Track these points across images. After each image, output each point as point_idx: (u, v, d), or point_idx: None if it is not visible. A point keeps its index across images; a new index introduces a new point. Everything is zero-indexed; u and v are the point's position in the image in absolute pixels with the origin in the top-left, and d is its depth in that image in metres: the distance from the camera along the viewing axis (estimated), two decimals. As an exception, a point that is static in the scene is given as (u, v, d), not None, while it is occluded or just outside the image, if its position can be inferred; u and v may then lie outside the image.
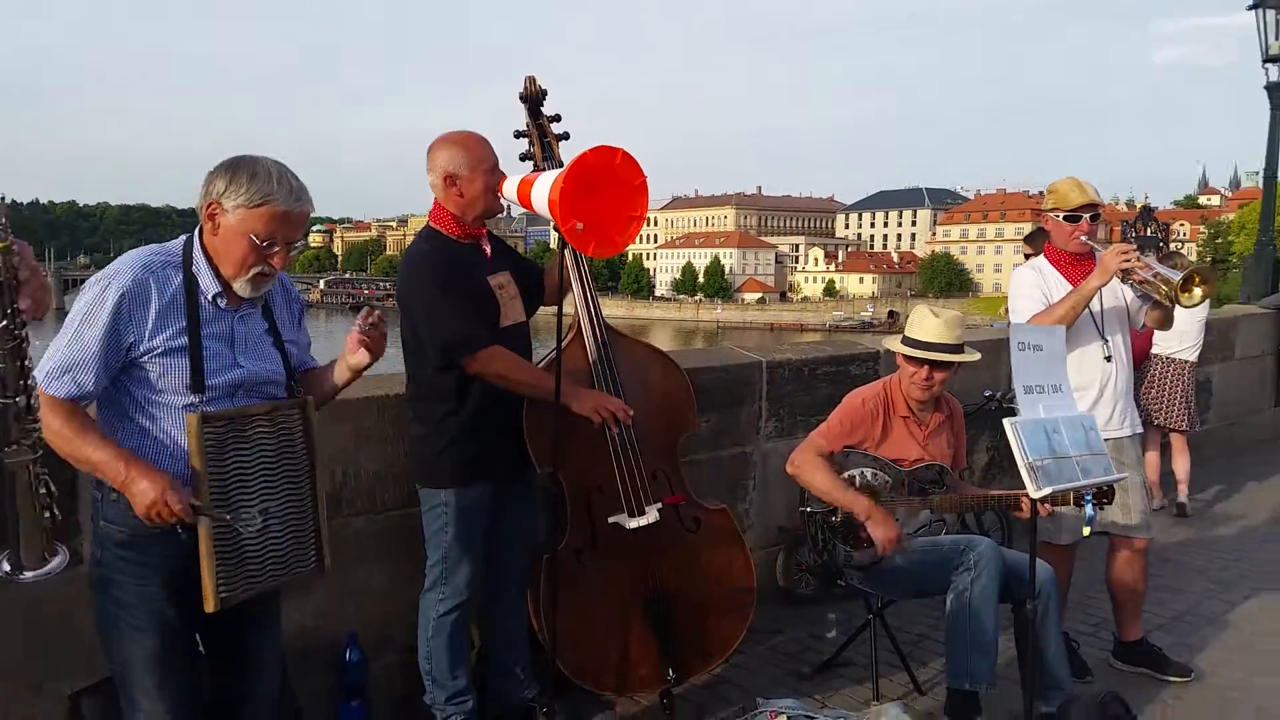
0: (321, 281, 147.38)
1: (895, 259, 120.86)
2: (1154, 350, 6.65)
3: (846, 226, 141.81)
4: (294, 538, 2.41)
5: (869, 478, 3.59)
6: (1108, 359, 3.89)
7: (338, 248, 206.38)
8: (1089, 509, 3.03)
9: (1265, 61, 10.39)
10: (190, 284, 2.26)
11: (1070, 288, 3.84)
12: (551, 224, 3.00)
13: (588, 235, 2.90)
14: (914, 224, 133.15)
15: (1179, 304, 3.68)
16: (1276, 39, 10.38)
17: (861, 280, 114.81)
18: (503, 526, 3.35)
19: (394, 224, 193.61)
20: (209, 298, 2.28)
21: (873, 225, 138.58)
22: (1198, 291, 3.67)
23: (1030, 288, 3.95)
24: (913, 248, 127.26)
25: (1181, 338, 6.54)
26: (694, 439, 4.04)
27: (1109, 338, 3.91)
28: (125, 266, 2.22)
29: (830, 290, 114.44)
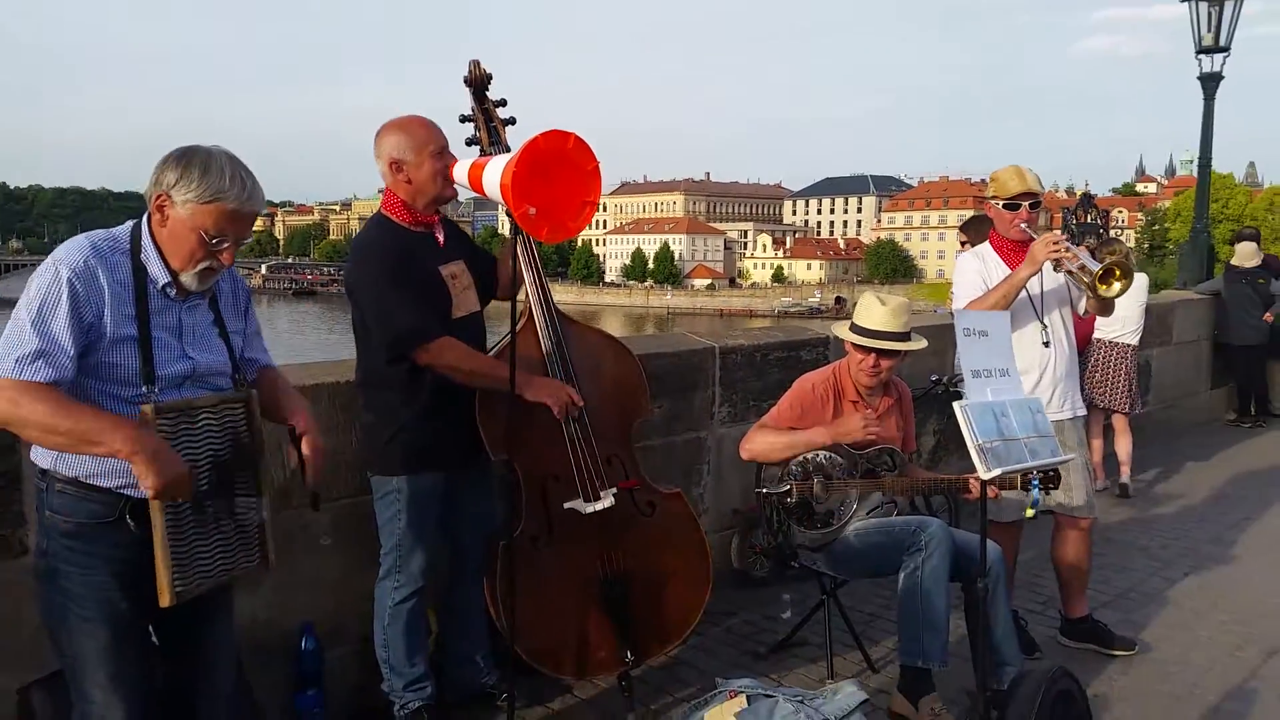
0: (263, 267, 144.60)
1: (842, 245, 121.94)
2: (1096, 335, 6.80)
3: (794, 213, 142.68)
4: (240, 533, 2.37)
5: (821, 459, 3.63)
6: (1045, 344, 3.96)
7: (279, 232, 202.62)
8: (1035, 492, 3.09)
9: (1198, 53, 10.65)
10: (139, 273, 2.21)
11: (1004, 270, 3.92)
12: (502, 209, 2.98)
13: (540, 220, 2.88)
14: (860, 211, 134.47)
15: (1097, 295, 3.77)
16: (1209, 31, 10.65)
17: (809, 266, 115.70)
18: (457, 514, 3.33)
19: (337, 207, 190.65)
20: (158, 287, 2.23)
21: (819, 212, 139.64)
22: (1116, 285, 3.75)
23: (973, 274, 4.02)
24: (859, 234, 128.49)
25: (1124, 322, 6.71)
26: (648, 424, 4.05)
27: (1047, 323, 3.98)
28: (74, 250, 2.16)
29: (779, 276, 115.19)
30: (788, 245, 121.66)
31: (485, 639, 3.52)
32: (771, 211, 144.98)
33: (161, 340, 2.22)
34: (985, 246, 4.10)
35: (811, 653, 4.09)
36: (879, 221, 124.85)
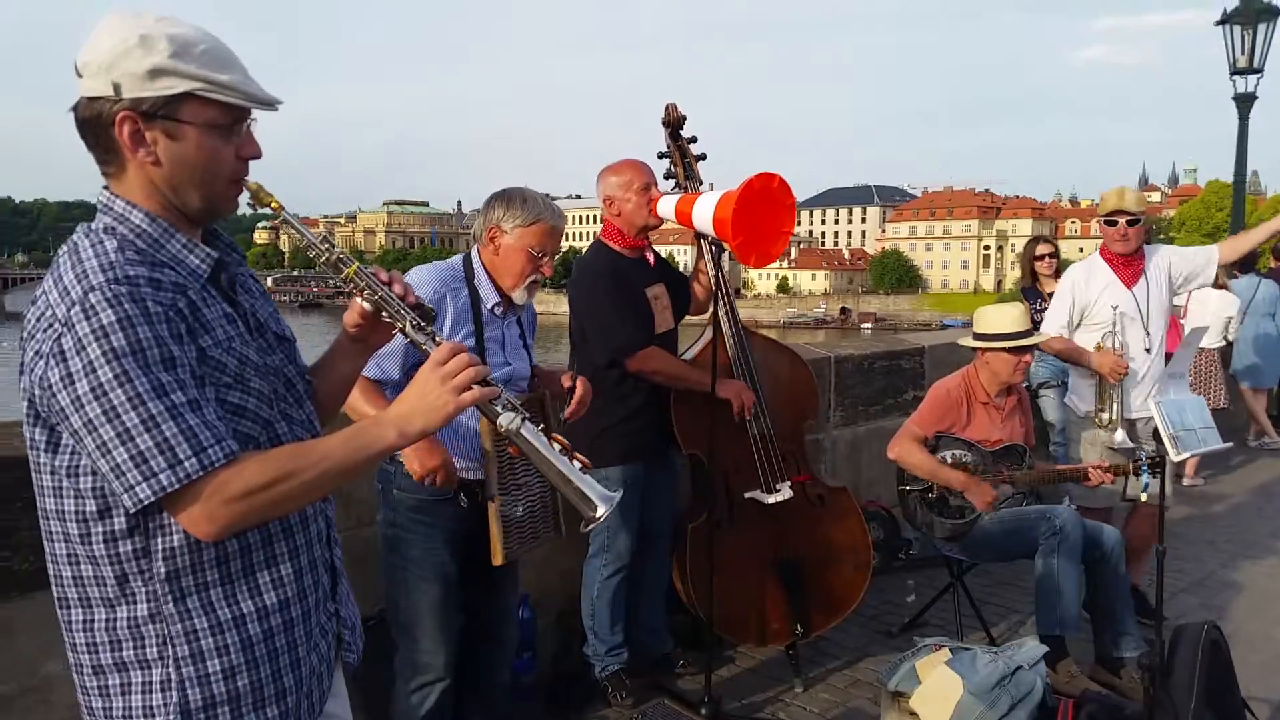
0: (269, 279, 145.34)
1: (846, 256, 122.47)
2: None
3: (798, 224, 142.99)
4: (543, 508, 2.87)
5: (960, 458, 4.12)
6: (1147, 350, 4.46)
7: (284, 244, 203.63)
8: (1145, 476, 3.60)
9: (1233, 74, 11.16)
10: (474, 296, 2.73)
11: (1114, 280, 4.47)
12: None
13: (749, 248, 3.39)
14: (864, 221, 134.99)
15: None
16: (1243, 54, 11.17)
17: (814, 277, 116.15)
18: (650, 500, 3.81)
19: (342, 220, 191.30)
20: (488, 307, 2.75)
21: (824, 223, 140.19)
22: None
23: (1066, 288, 4.59)
24: (863, 245, 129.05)
25: (1211, 333, 7.35)
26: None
27: (1151, 331, 4.48)
28: (425, 280, 2.68)
29: (784, 287, 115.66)
30: (792, 256, 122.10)
31: (664, 612, 4.00)
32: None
33: (491, 349, 2.73)
34: (1096, 255, 4.63)
35: (932, 632, 4.57)
36: (883, 232, 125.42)
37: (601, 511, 1.64)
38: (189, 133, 1.50)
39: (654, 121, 3.98)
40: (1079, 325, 4.58)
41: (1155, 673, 2.72)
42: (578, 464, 1.72)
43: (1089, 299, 4.51)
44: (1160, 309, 4.53)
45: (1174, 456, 3.10)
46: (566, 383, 2.91)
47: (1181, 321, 7.82)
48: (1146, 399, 4.44)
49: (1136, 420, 4.43)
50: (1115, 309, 4.39)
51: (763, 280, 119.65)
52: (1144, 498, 3.75)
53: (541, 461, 1.67)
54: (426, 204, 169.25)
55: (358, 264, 1.68)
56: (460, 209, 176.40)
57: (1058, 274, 6.28)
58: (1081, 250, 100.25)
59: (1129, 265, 4.47)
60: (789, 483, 3.81)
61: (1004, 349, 4.09)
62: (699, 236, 3.68)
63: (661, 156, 3.92)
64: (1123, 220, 4.42)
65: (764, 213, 3.39)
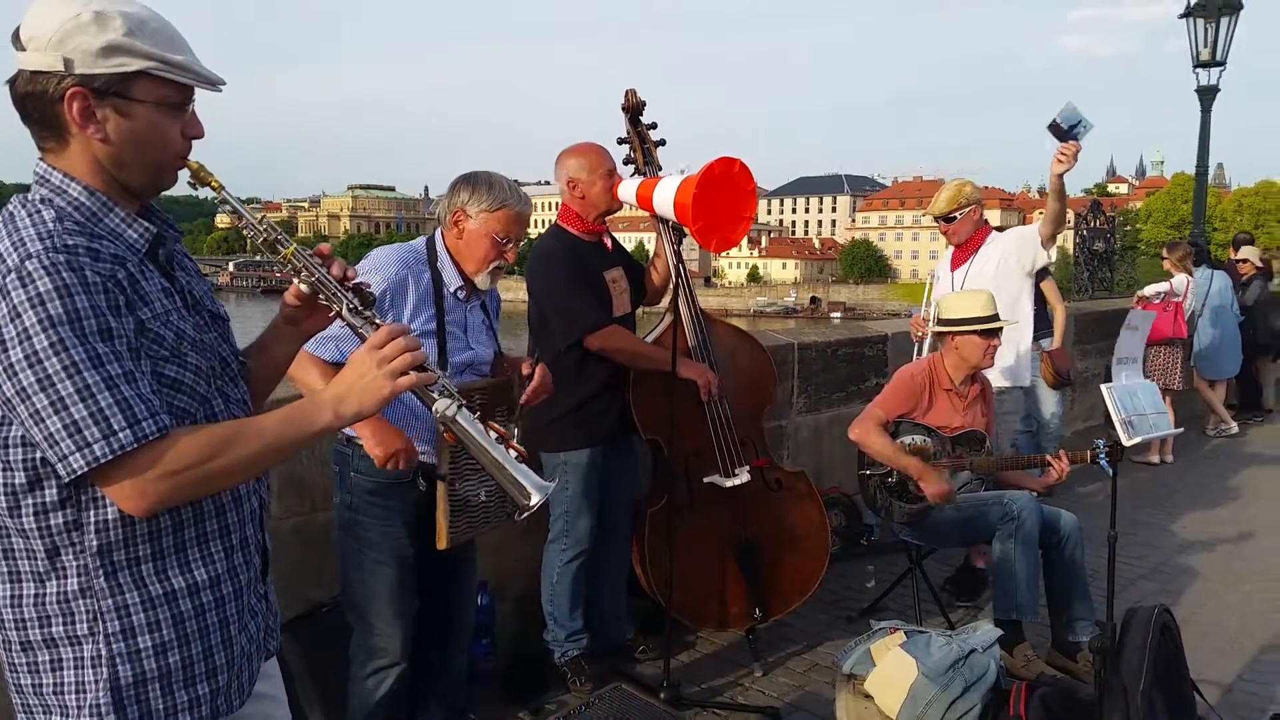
0: (230, 264, 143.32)
1: (816, 245, 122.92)
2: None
3: (769, 212, 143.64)
4: (497, 494, 2.84)
5: (919, 442, 4.14)
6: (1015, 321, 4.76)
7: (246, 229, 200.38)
8: (1103, 462, 3.65)
9: (1196, 67, 11.30)
10: (436, 279, 2.69)
11: (948, 270, 5.14)
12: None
13: (709, 233, 3.38)
14: (834, 210, 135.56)
15: None
16: (1205, 46, 11.30)
17: (784, 266, 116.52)
18: (610, 486, 3.80)
19: (305, 204, 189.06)
20: (451, 290, 2.72)
21: (794, 211, 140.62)
22: None
23: (932, 282, 5.32)
24: (833, 234, 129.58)
25: None
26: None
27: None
28: (386, 261, 2.65)
29: (754, 276, 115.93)
30: (762, 245, 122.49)
31: (624, 597, 4.00)
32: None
33: (452, 334, 2.70)
34: (949, 251, 5.22)
35: (891, 617, 4.58)
36: (853, 221, 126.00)
37: (535, 500, 1.65)
38: (140, 111, 1.50)
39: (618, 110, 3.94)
40: None
41: (1106, 655, 2.74)
42: (514, 453, 1.71)
43: (942, 289, 5.00)
44: (1020, 284, 4.92)
45: (1126, 441, 3.14)
46: (525, 369, 2.89)
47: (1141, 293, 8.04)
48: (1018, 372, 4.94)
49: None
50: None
51: (733, 269, 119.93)
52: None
53: (477, 449, 1.67)
54: (393, 189, 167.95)
55: (295, 245, 1.68)
56: (427, 194, 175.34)
57: None
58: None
59: (960, 252, 5.10)
60: (747, 467, 3.81)
61: (974, 331, 4.12)
62: (659, 221, 3.66)
63: (621, 142, 3.89)
64: (941, 223, 5.13)
65: (725, 197, 3.38)
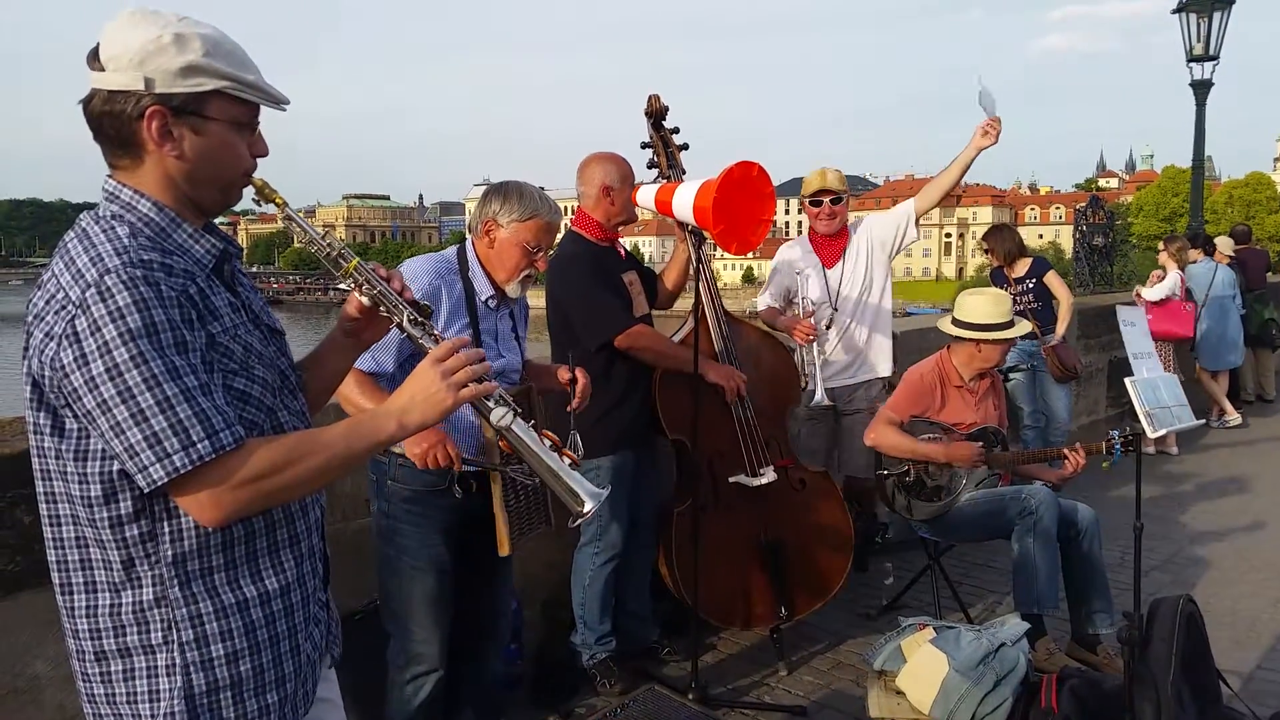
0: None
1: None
2: None
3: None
4: (537, 501, 2.88)
5: (934, 441, 4.17)
6: (828, 327, 4.60)
7: (243, 240, 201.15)
8: (1117, 454, 3.70)
9: (1189, 61, 11.38)
10: (469, 288, 2.73)
11: (815, 263, 4.65)
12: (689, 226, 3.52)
13: (729, 236, 3.41)
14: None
15: None
16: (1199, 40, 11.38)
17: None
18: (637, 488, 3.83)
19: (301, 214, 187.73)
20: (483, 299, 2.75)
21: (787, 212, 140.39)
22: None
23: (773, 270, 4.78)
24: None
25: None
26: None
27: (838, 308, 4.64)
28: (420, 272, 2.68)
29: (749, 277, 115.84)
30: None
31: (650, 599, 4.03)
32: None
33: (485, 343, 2.74)
34: (804, 238, 4.78)
35: (910, 614, 4.62)
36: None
37: (589, 507, 1.68)
38: (214, 129, 1.55)
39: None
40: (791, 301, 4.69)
41: (1134, 646, 2.78)
42: (567, 460, 1.74)
43: (792, 281, 4.65)
44: (861, 284, 4.66)
45: (1150, 433, 3.20)
46: (564, 375, 2.90)
47: (1147, 297, 8.07)
48: (849, 368, 4.64)
49: (834, 389, 4.54)
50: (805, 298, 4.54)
51: (728, 271, 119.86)
52: (1105, 465, 3.88)
53: (531, 457, 1.70)
54: (387, 198, 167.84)
55: (358, 259, 1.72)
56: (421, 202, 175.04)
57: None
58: (1041, 236, 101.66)
59: (831, 245, 4.65)
60: (772, 466, 3.85)
61: (988, 339, 4.14)
62: (679, 225, 3.69)
63: (644, 146, 3.93)
64: (827, 200, 4.58)
65: (743, 201, 3.42)
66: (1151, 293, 8.04)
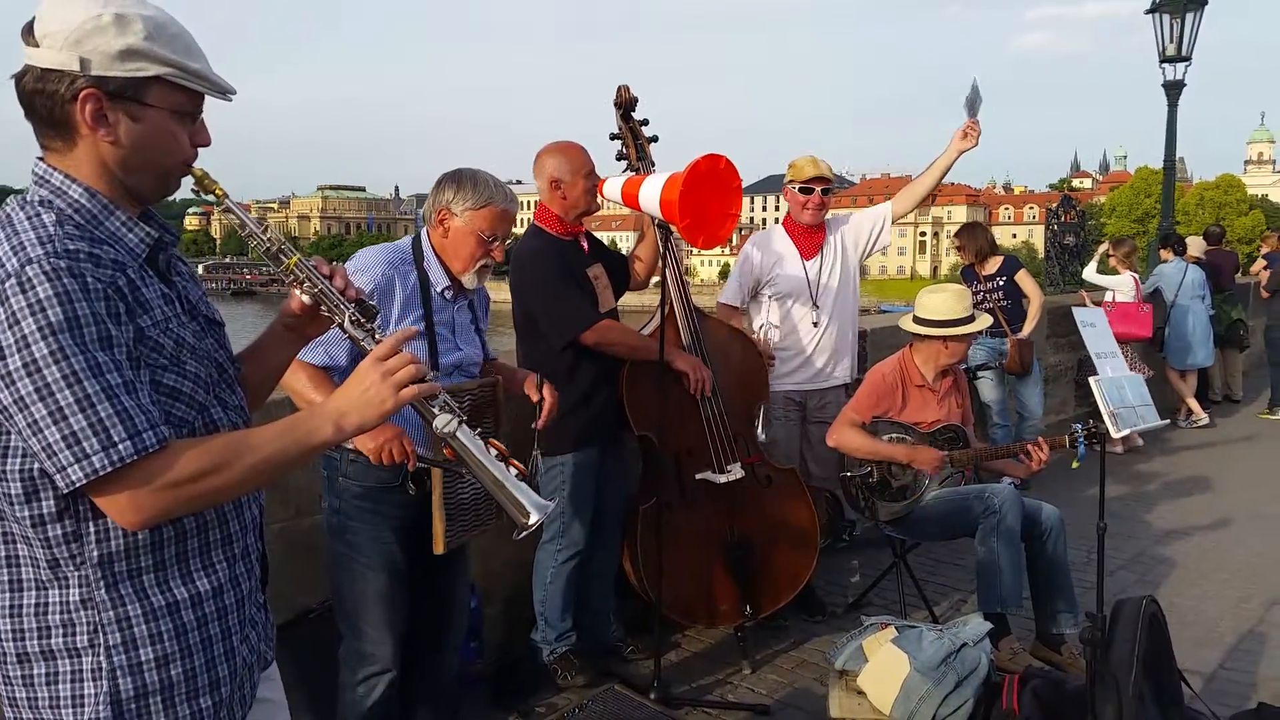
0: (200, 266, 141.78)
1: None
2: None
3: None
4: (487, 496, 2.82)
5: (897, 441, 4.15)
6: (815, 324, 4.47)
7: (215, 230, 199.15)
8: (1081, 448, 3.69)
9: (1162, 62, 11.44)
10: (423, 279, 2.66)
11: (793, 253, 4.44)
12: (658, 221, 3.48)
13: (696, 230, 3.37)
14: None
15: None
16: (1171, 41, 11.44)
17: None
18: (602, 484, 3.78)
19: (275, 205, 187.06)
20: (439, 290, 2.69)
21: (764, 209, 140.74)
22: None
23: (740, 262, 4.59)
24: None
25: None
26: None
27: (820, 305, 4.47)
28: (373, 262, 2.62)
29: (725, 274, 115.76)
30: (733, 242, 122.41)
31: (613, 597, 3.98)
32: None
33: (441, 334, 2.68)
34: (778, 227, 4.59)
35: (875, 612, 4.61)
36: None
37: (535, 520, 1.64)
38: (152, 116, 1.48)
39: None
40: (756, 296, 4.58)
41: (1096, 647, 2.76)
42: (514, 470, 1.70)
43: (764, 273, 4.50)
44: (839, 280, 4.52)
45: (1114, 433, 3.18)
46: (533, 394, 2.83)
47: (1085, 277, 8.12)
48: (823, 371, 4.50)
49: (812, 391, 4.50)
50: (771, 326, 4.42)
51: (705, 267, 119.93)
52: (1075, 465, 3.86)
53: (476, 466, 1.65)
54: (363, 189, 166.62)
55: (299, 255, 1.65)
56: (398, 194, 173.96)
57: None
58: (1015, 236, 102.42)
59: (811, 237, 4.47)
60: (740, 463, 3.81)
61: (954, 335, 4.12)
62: (649, 219, 3.65)
63: (613, 138, 3.87)
64: (818, 189, 4.38)
65: (711, 194, 3.38)
66: (1089, 272, 8.15)
